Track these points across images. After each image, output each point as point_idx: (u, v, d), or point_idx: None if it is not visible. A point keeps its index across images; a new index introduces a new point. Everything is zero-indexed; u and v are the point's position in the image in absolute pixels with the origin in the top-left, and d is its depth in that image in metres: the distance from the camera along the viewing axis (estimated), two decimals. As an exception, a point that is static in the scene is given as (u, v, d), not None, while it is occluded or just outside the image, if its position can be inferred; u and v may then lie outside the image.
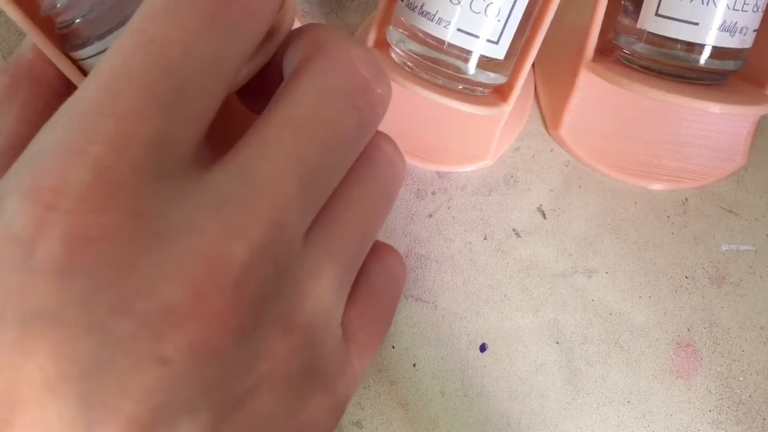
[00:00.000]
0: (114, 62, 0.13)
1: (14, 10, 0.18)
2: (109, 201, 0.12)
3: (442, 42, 0.23)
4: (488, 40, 0.23)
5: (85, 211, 0.12)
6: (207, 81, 0.14)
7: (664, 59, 0.24)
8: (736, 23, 0.23)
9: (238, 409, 0.14)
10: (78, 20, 0.18)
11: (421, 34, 0.23)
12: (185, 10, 0.13)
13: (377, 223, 0.18)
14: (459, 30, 0.22)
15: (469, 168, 0.28)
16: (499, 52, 0.23)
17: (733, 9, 0.23)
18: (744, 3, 0.23)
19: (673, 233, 0.28)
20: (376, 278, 0.20)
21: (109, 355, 0.12)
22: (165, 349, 0.12)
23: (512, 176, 0.28)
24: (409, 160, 0.28)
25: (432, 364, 0.26)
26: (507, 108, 0.25)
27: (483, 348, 0.26)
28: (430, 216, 0.27)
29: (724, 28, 0.23)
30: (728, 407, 0.25)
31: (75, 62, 0.19)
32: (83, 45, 0.18)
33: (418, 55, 0.24)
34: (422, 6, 0.22)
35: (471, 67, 0.23)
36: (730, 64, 0.24)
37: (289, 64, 0.16)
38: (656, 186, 0.28)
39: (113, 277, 0.12)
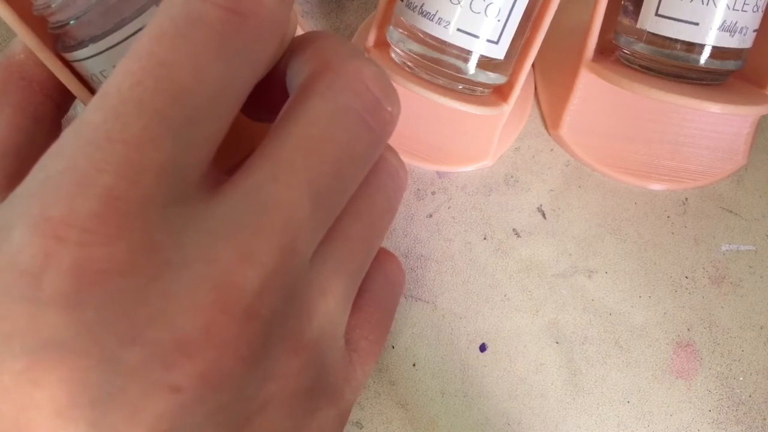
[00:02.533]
0: (122, 86, 0.13)
1: (6, 11, 0.18)
2: (119, 232, 0.12)
3: (442, 42, 0.23)
4: (488, 40, 0.23)
5: (94, 244, 0.12)
6: (216, 105, 0.14)
7: (664, 59, 0.24)
8: (736, 23, 0.23)
9: (245, 427, 0.14)
10: (72, 21, 0.18)
11: (421, 34, 0.23)
12: (195, 34, 0.13)
13: (382, 235, 0.18)
14: (459, 30, 0.22)
15: (469, 168, 0.28)
16: (499, 52, 0.23)
17: (733, 9, 0.23)
18: (744, 3, 0.23)
19: (673, 233, 0.28)
20: (377, 286, 0.20)
21: (120, 384, 0.12)
22: (176, 378, 0.12)
23: (512, 176, 0.28)
24: (409, 160, 0.28)
25: (432, 364, 0.25)
26: (507, 108, 0.25)
27: (483, 348, 0.26)
28: (430, 216, 0.27)
29: (724, 28, 0.23)
30: (728, 407, 0.25)
31: (67, 63, 0.19)
32: (77, 47, 0.18)
33: (418, 55, 0.24)
34: (422, 6, 0.22)
35: (471, 67, 0.23)
36: (730, 64, 0.24)
37: (294, 75, 0.16)
38: (656, 186, 0.28)
39: (124, 308, 0.12)
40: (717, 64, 0.24)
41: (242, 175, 0.14)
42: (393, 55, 0.25)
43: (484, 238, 0.27)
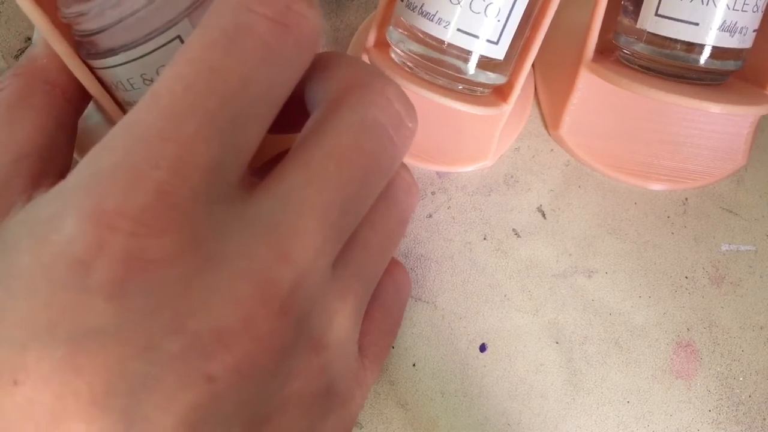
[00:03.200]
0: (174, 88, 0.14)
1: (41, 19, 0.18)
2: (169, 225, 0.13)
3: (442, 42, 0.23)
4: (488, 41, 0.23)
5: (146, 235, 0.13)
6: (260, 109, 0.14)
7: (664, 59, 0.24)
8: (736, 23, 0.23)
9: (266, 424, 0.14)
10: (103, 31, 0.18)
11: (421, 34, 0.23)
12: (245, 42, 0.14)
13: (396, 245, 0.19)
14: (459, 30, 0.22)
15: (469, 168, 0.28)
16: (499, 53, 0.23)
17: (733, 9, 0.23)
18: (744, 3, 0.23)
19: (673, 233, 0.28)
20: (387, 293, 0.21)
21: (157, 372, 0.12)
22: (212, 368, 0.13)
23: (512, 176, 0.28)
24: (409, 160, 0.28)
25: (432, 364, 0.26)
26: (507, 108, 0.25)
27: (483, 348, 0.26)
28: (430, 216, 0.27)
29: (724, 28, 0.23)
30: (728, 407, 0.25)
31: (91, 69, 0.19)
32: (106, 54, 0.18)
33: (418, 55, 0.24)
34: (422, 6, 0.22)
35: (471, 67, 0.23)
36: (730, 64, 0.24)
37: (317, 91, 0.17)
38: (656, 186, 0.28)
39: (169, 298, 0.13)
40: (717, 64, 0.24)
41: (276, 179, 0.15)
42: (393, 55, 0.25)
43: (484, 238, 0.27)
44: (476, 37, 0.22)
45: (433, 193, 0.28)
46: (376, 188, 0.16)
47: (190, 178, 0.13)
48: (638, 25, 0.24)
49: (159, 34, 0.18)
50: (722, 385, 0.26)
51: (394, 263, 0.21)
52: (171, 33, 0.18)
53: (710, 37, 0.23)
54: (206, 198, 0.13)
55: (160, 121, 0.13)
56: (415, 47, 0.23)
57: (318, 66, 0.17)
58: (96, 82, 0.19)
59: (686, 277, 0.27)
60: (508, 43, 0.23)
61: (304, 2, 0.15)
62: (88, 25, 0.18)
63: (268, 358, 0.13)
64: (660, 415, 0.25)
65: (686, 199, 0.28)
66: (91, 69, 0.19)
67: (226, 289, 0.13)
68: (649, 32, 0.24)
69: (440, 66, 0.23)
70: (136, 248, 0.12)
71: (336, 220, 0.15)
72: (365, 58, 0.25)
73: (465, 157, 0.28)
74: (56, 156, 0.19)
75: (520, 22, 0.23)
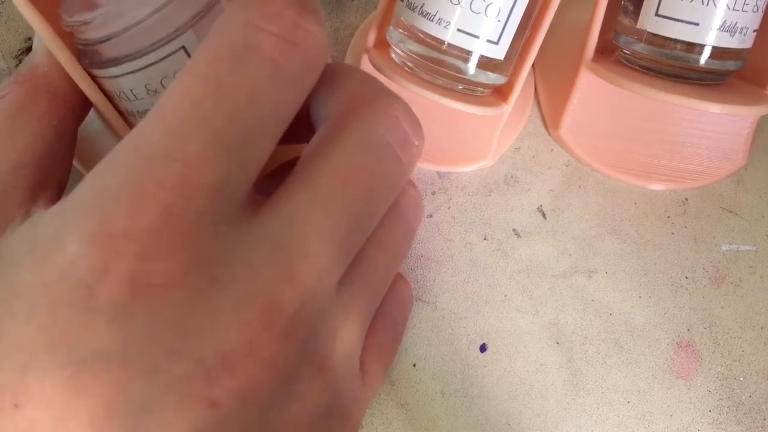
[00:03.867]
0: (181, 106, 0.13)
1: (43, 27, 0.17)
2: (174, 247, 0.13)
3: (442, 42, 0.23)
4: (488, 41, 0.23)
5: (151, 257, 0.12)
6: (267, 127, 0.14)
7: (664, 59, 0.24)
8: (736, 23, 0.23)
9: None
10: (107, 40, 0.18)
11: (421, 34, 0.23)
12: (253, 59, 0.14)
13: (401, 261, 0.19)
14: (459, 30, 0.22)
15: (469, 168, 0.28)
16: (499, 53, 0.23)
17: (733, 9, 0.23)
18: (744, 3, 0.23)
19: (673, 233, 0.28)
20: (390, 309, 0.20)
21: (160, 396, 0.12)
22: (215, 392, 0.13)
23: (512, 176, 0.28)
24: (409, 160, 0.28)
25: (432, 365, 0.25)
26: (507, 108, 0.25)
27: (483, 348, 0.26)
28: (430, 216, 0.27)
29: (724, 28, 0.23)
30: (728, 407, 0.25)
31: (93, 78, 0.19)
32: (109, 64, 0.18)
33: (418, 55, 0.24)
34: (422, 6, 0.22)
35: (471, 67, 0.23)
36: (730, 64, 0.24)
37: (323, 106, 0.17)
38: (656, 186, 0.28)
39: (173, 321, 0.13)
40: (717, 65, 0.24)
41: (282, 198, 0.15)
42: (393, 55, 0.25)
43: (484, 239, 0.27)
44: (476, 37, 0.22)
45: (433, 193, 0.28)
46: (382, 207, 0.16)
47: (196, 198, 0.13)
48: (638, 25, 0.24)
49: (163, 45, 0.18)
50: (723, 385, 0.26)
51: (397, 277, 0.21)
52: (175, 44, 0.18)
53: (710, 37, 0.23)
54: (212, 218, 0.13)
55: (166, 138, 0.13)
56: (416, 47, 0.23)
57: (324, 78, 0.17)
58: (98, 91, 0.19)
59: (686, 277, 0.27)
60: (509, 43, 0.23)
61: (312, 19, 0.14)
62: (92, 34, 0.18)
63: (272, 381, 0.13)
64: (660, 416, 0.25)
65: (686, 199, 0.28)
66: (94, 78, 0.19)
67: (231, 312, 0.13)
68: (649, 32, 0.24)
69: (440, 66, 0.23)
70: (141, 271, 0.12)
71: (342, 241, 0.15)
72: (365, 58, 0.25)
73: (465, 157, 0.28)
74: (55, 166, 0.19)
75: (520, 22, 0.23)
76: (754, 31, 0.24)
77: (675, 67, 0.24)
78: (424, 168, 0.28)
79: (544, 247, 0.27)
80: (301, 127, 0.17)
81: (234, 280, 0.13)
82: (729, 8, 0.23)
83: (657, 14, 0.23)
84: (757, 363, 0.26)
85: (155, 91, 0.18)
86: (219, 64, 0.14)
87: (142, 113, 0.19)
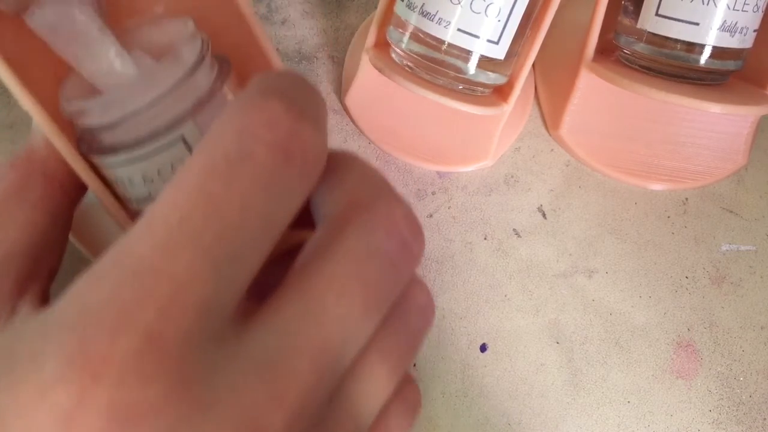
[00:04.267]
0: (169, 219, 0.13)
1: (41, 115, 0.17)
2: (156, 372, 0.12)
3: (442, 42, 0.23)
4: (488, 40, 0.23)
5: (131, 385, 0.12)
6: (259, 241, 0.14)
7: (664, 59, 0.24)
8: (736, 23, 0.23)
9: None
10: (105, 128, 0.17)
11: (421, 34, 0.23)
12: (246, 171, 0.13)
13: (405, 369, 0.18)
14: (459, 30, 0.22)
15: (469, 168, 0.28)
16: (499, 52, 0.23)
17: (734, 9, 0.23)
18: (744, 3, 0.23)
19: (673, 233, 0.28)
20: (395, 419, 0.19)
21: None
22: None
23: (512, 176, 0.28)
24: (409, 160, 0.28)
25: (432, 365, 0.25)
26: (507, 108, 0.25)
27: (483, 348, 0.26)
28: (431, 216, 0.27)
29: (725, 28, 0.23)
30: (728, 407, 0.25)
31: (91, 164, 0.19)
32: (107, 152, 0.18)
33: (418, 55, 0.24)
34: (422, 6, 0.22)
35: (471, 67, 0.23)
36: (730, 64, 0.24)
37: (323, 202, 0.16)
38: (656, 186, 0.28)
39: None
40: (717, 64, 0.24)
41: (272, 309, 0.14)
42: (393, 55, 0.25)
43: (485, 238, 0.27)
44: (477, 37, 0.22)
45: (433, 193, 0.28)
46: (378, 316, 0.16)
47: (182, 319, 0.12)
48: (638, 25, 0.24)
49: (162, 135, 0.17)
50: (723, 385, 0.26)
51: (406, 381, 0.20)
52: (174, 134, 0.17)
53: (710, 37, 0.23)
54: (198, 338, 0.13)
55: (152, 253, 0.13)
56: (416, 47, 0.23)
57: (325, 171, 0.16)
58: (96, 178, 0.18)
59: (687, 277, 0.27)
60: (509, 43, 0.23)
61: (310, 127, 0.14)
62: (90, 121, 0.17)
63: None
64: (660, 415, 0.25)
65: (686, 199, 0.28)
66: (91, 164, 0.18)
67: None
68: (649, 32, 0.24)
69: (440, 66, 0.23)
70: (120, 400, 0.12)
71: (333, 358, 0.14)
72: (365, 57, 0.25)
73: (465, 157, 0.28)
74: (47, 252, 0.19)
75: (520, 22, 0.23)
76: (755, 31, 0.24)
77: (675, 67, 0.24)
78: (424, 168, 0.28)
79: (544, 247, 0.27)
80: (307, 213, 0.17)
81: (218, 402, 0.13)
82: (729, 8, 0.23)
83: (657, 14, 0.23)
84: (757, 363, 0.26)
85: (152, 181, 0.18)
86: (211, 174, 0.13)
87: (140, 200, 0.18)
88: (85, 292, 0.13)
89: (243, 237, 0.13)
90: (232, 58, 0.20)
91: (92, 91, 0.18)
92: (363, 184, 0.16)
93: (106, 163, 0.18)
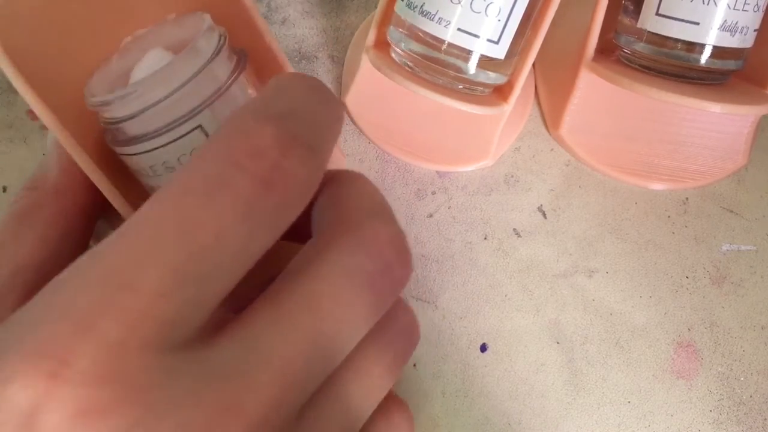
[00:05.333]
0: (143, 232, 0.13)
1: (63, 134, 0.18)
2: (111, 374, 0.12)
3: (442, 41, 0.23)
4: (489, 40, 0.22)
5: (88, 385, 0.12)
6: (232, 266, 0.14)
7: (664, 59, 0.24)
8: (736, 23, 0.23)
9: None
10: (127, 119, 0.18)
11: (421, 34, 0.23)
12: (224, 196, 0.13)
13: (386, 390, 0.18)
14: (459, 30, 0.22)
15: (469, 168, 0.28)
16: (499, 52, 0.23)
17: (734, 8, 0.23)
18: (744, 2, 0.23)
19: (673, 233, 0.28)
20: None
21: None
22: None
23: (513, 176, 0.28)
24: (409, 160, 0.28)
25: (432, 364, 0.25)
26: (507, 108, 0.25)
27: (483, 348, 0.26)
28: (431, 216, 0.27)
29: (725, 27, 0.23)
30: (729, 407, 0.25)
31: (111, 176, 0.19)
32: (130, 142, 0.19)
33: (418, 54, 0.24)
34: (422, 6, 0.22)
35: (471, 66, 0.23)
36: (730, 64, 0.24)
37: (320, 219, 0.16)
38: (656, 186, 0.28)
39: None
40: (717, 64, 0.24)
41: (243, 323, 0.14)
42: (393, 54, 0.25)
43: (485, 238, 0.27)
44: (477, 36, 0.22)
45: (433, 193, 0.28)
46: (353, 338, 0.16)
47: (143, 329, 0.13)
48: (639, 25, 0.24)
49: (180, 124, 0.18)
50: (723, 385, 0.25)
51: (392, 400, 0.19)
52: (192, 123, 0.18)
53: (711, 37, 0.23)
54: (158, 346, 0.13)
55: (123, 265, 0.13)
56: (416, 47, 0.23)
57: (325, 187, 0.16)
58: (115, 190, 0.19)
59: (687, 277, 0.27)
60: (509, 43, 0.23)
61: (300, 155, 0.14)
62: (113, 113, 0.18)
63: None
64: (661, 416, 0.25)
65: (687, 198, 0.28)
66: (121, 156, 0.19)
67: None
68: (649, 32, 0.24)
69: (441, 65, 0.23)
70: (78, 398, 0.12)
71: (301, 373, 0.14)
72: (365, 57, 0.25)
73: (465, 157, 0.28)
74: (58, 267, 0.19)
75: (520, 22, 0.23)
76: (755, 30, 0.24)
77: (675, 67, 0.24)
78: (424, 168, 0.28)
79: (544, 247, 0.27)
80: (305, 225, 0.17)
81: (175, 408, 0.13)
82: (729, 7, 0.23)
83: (657, 13, 0.23)
84: (757, 363, 0.26)
85: (173, 168, 0.19)
86: (189, 196, 0.13)
87: None
88: (53, 293, 0.13)
89: (215, 260, 0.13)
90: None
91: (114, 85, 0.19)
92: (357, 204, 0.16)
93: (130, 152, 0.19)
